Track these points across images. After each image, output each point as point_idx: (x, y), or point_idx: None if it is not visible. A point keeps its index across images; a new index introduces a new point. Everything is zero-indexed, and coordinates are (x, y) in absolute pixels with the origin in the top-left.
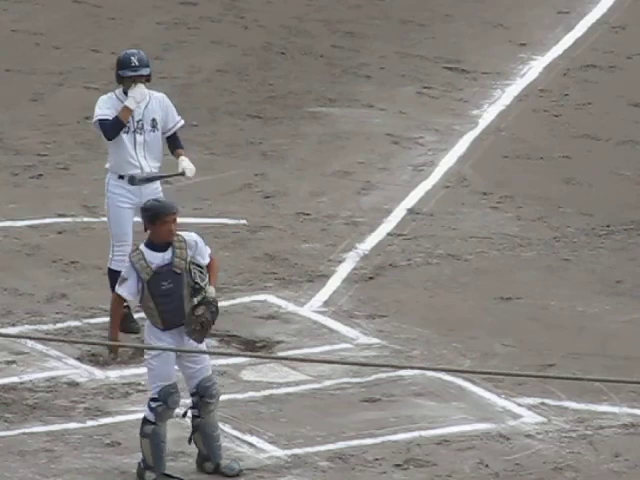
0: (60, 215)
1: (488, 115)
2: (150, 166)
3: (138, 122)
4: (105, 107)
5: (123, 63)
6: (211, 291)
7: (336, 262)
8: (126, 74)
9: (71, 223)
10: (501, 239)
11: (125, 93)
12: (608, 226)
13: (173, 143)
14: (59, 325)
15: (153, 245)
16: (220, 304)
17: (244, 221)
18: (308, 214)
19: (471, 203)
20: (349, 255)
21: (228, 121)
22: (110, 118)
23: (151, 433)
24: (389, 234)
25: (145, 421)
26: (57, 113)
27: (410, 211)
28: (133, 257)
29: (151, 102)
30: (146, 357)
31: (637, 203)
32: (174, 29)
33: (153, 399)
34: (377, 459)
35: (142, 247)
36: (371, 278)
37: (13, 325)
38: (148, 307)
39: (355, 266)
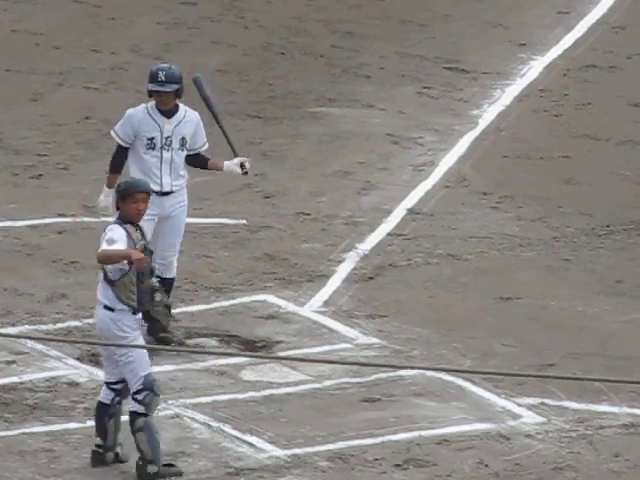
0: (60, 215)
1: (488, 115)
2: (172, 184)
3: (167, 139)
4: (123, 126)
5: (151, 76)
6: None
7: (336, 262)
8: (152, 88)
9: (71, 223)
10: (501, 239)
11: (158, 108)
12: (608, 226)
13: (198, 158)
14: (59, 325)
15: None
16: (220, 304)
17: (244, 221)
18: (308, 214)
19: (471, 203)
20: (349, 255)
21: (228, 121)
22: (121, 142)
23: (144, 425)
24: (389, 234)
25: (135, 416)
26: (57, 113)
27: (410, 211)
28: (129, 228)
29: (184, 120)
30: (122, 352)
31: (637, 203)
32: (174, 29)
33: (138, 391)
34: (377, 459)
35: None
36: (371, 278)
37: (13, 325)
38: (130, 284)
39: (355, 266)
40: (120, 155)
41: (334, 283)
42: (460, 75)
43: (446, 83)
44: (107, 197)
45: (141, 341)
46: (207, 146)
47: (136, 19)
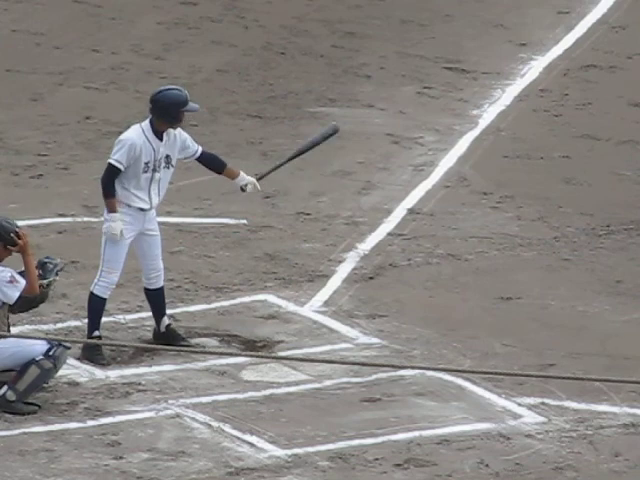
0: (60, 215)
1: (488, 115)
2: (156, 202)
3: (159, 160)
4: (127, 154)
5: (181, 101)
6: None
7: (336, 262)
8: (189, 109)
9: (71, 223)
10: (501, 239)
11: (153, 130)
12: (608, 226)
13: (214, 162)
14: (59, 325)
15: None
16: (220, 304)
17: (244, 221)
18: (308, 214)
19: (471, 203)
20: (349, 255)
21: (228, 121)
22: (122, 168)
23: (48, 370)
24: (389, 234)
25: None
26: (57, 113)
27: (410, 211)
28: None
29: (170, 139)
30: (6, 346)
31: (637, 203)
32: (174, 29)
33: (48, 351)
34: (377, 459)
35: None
36: (371, 278)
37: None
38: (3, 315)
39: (355, 266)
40: (114, 180)
41: (334, 283)
42: (460, 75)
43: (446, 83)
44: (116, 222)
45: None
46: (200, 148)
47: (136, 19)
